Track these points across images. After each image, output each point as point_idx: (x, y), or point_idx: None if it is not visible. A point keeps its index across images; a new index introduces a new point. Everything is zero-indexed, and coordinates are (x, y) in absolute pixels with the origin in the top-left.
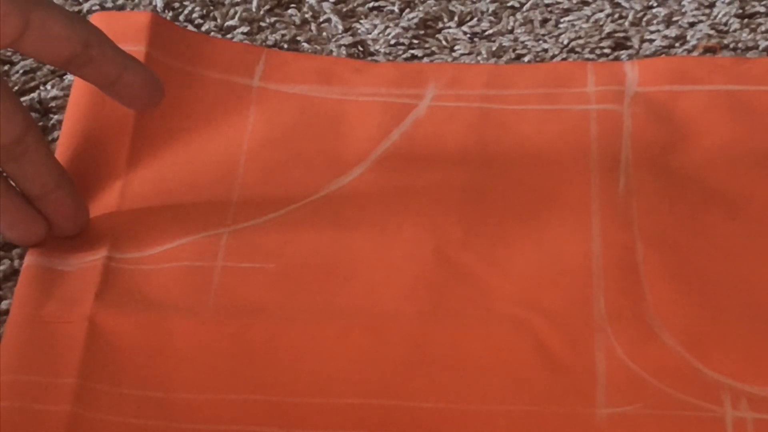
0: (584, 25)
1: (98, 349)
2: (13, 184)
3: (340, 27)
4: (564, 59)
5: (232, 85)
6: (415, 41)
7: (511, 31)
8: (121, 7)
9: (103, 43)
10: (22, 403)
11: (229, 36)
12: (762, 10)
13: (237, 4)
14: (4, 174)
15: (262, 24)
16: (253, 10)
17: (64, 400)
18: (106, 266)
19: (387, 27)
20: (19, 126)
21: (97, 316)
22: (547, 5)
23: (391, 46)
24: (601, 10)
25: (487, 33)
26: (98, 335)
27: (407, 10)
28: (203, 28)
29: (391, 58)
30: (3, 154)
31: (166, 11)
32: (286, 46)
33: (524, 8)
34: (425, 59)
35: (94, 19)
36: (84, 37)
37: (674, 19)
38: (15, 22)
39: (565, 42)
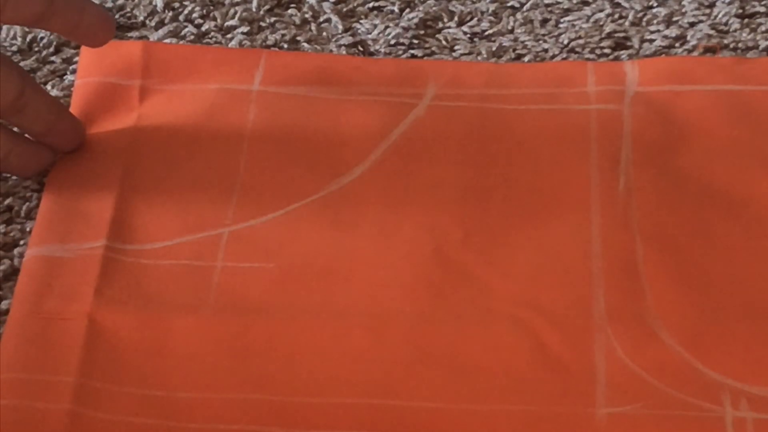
0: (584, 25)
1: (98, 347)
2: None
3: (340, 27)
4: (564, 59)
5: (231, 90)
6: (415, 41)
7: (511, 31)
8: (121, 8)
9: None
10: (22, 401)
11: (229, 36)
12: (762, 9)
13: (237, 4)
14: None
15: (262, 24)
16: (253, 10)
17: (63, 398)
18: (105, 257)
19: (387, 27)
20: (17, 83)
21: (96, 312)
22: (547, 5)
23: (391, 46)
24: (601, 10)
25: (487, 33)
26: (98, 333)
27: (407, 10)
28: (203, 28)
29: (391, 58)
30: (8, 111)
31: (166, 11)
32: (286, 46)
33: (524, 8)
34: (425, 59)
35: (87, 50)
36: None
37: (674, 19)
38: None
39: (565, 42)
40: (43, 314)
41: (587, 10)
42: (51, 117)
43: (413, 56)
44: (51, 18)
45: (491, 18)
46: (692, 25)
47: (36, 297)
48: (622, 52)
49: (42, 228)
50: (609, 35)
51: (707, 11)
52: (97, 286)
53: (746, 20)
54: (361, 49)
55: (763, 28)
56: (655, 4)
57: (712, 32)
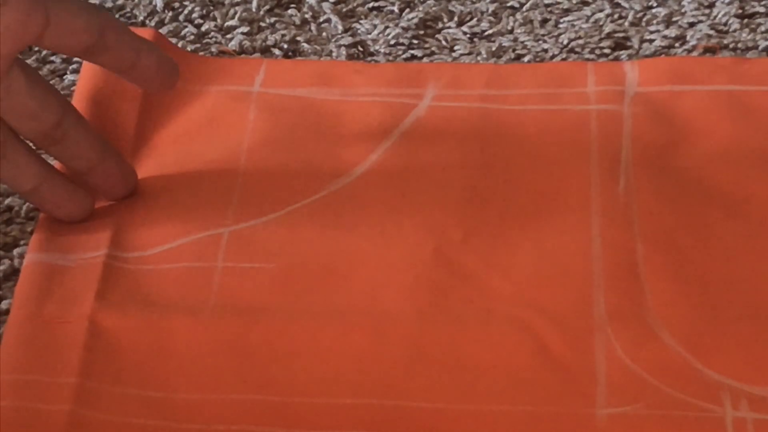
0: (584, 25)
1: (99, 349)
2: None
3: (340, 27)
4: (564, 59)
5: (232, 92)
6: (415, 41)
7: (511, 31)
8: (121, 8)
9: (118, 30)
10: (23, 402)
11: (228, 36)
12: (762, 10)
13: (237, 4)
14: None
15: (262, 24)
16: (253, 10)
17: (64, 399)
18: (106, 264)
19: (387, 27)
20: (56, 111)
21: (97, 315)
22: (547, 5)
23: (391, 46)
24: (601, 10)
25: (486, 33)
26: (99, 335)
27: (407, 10)
28: (203, 28)
29: (391, 58)
30: (45, 139)
31: (166, 11)
32: (286, 46)
33: (524, 8)
34: (425, 59)
35: None
36: (100, 25)
37: (674, 19)
38: (38, 20)
39: (565, 42)
40: (43, 317)
41: (587, 10)
42: (93, 154)
43: (413, 56)
44: (102, 52)
45: (491, 18)
46: (692, 25)
47: (36, 301)
48: (621, 52)
49: (43, 235)
50: (609, 35)
51: (707, 11)
52: (98, 291)
53: (746, 20)
54: (360, 49)
55: (762, 28)
56: (655, 4)
57: (711, 32)
